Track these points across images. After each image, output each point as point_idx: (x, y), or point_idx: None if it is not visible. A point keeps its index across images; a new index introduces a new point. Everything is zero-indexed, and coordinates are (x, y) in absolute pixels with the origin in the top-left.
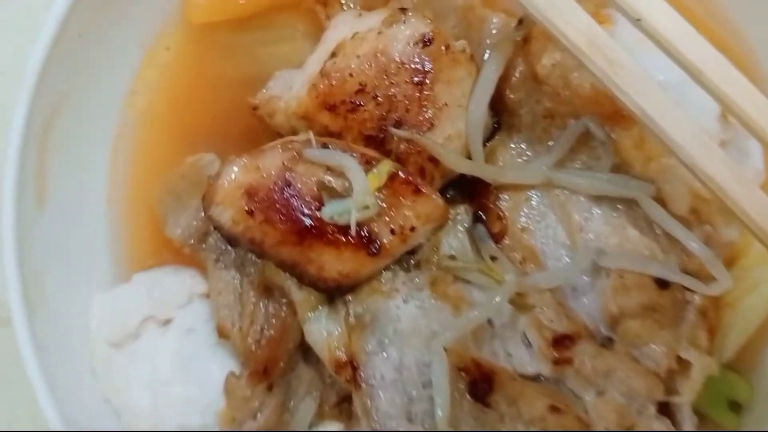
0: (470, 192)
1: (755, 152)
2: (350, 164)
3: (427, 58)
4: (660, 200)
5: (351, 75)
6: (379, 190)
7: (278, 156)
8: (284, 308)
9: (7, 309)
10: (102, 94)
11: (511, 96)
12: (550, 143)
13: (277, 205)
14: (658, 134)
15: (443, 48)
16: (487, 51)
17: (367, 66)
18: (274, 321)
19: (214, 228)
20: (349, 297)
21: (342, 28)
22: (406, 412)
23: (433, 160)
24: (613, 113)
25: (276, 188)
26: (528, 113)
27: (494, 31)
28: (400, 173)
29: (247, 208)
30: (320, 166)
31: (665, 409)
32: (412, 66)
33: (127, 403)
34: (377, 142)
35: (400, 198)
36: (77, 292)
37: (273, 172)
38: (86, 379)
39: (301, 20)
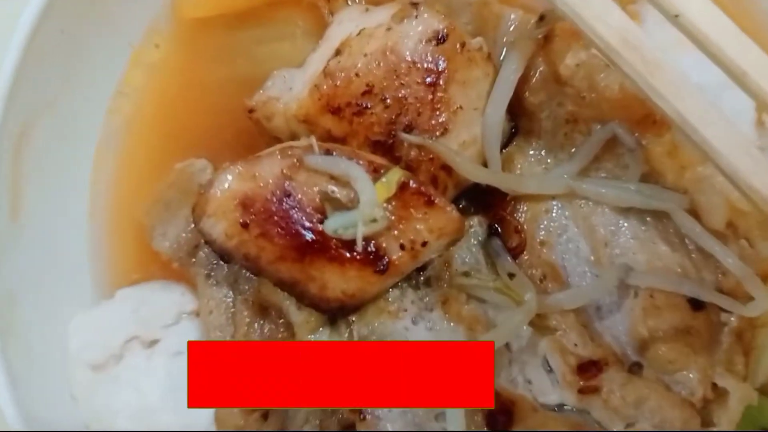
0: (484, 202)
1: None
2: (356, 173)
3: (440, 57)
4: (693, 213)
5: (357, 75)
6: (387, 201)
7: (276, 163)
8: (281, 329)
9: None
10: (85, 96)
11: (531, 99)
12: (573, 150)
13: (275, 218)
14: (697, 142)
15: (458, 46)
16: (505, 50)
17: (374, 65)
18: None
19: (205, 242)
20: (353, 318)
21: (347, 24)
22: None
23: (447, 169)
24: (644, 118)
25: (274, 199)
26: (549, 117)
27: (512, 29)
28: (411, 182)
29: (241, 221)
30: (323, 175)
31: None
32: (425, 65)
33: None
34: (386, 149)
35: (411, 210)
36: (56, 310)
37: (271, 181)
38: (66, 405)
39: (301, 16)
